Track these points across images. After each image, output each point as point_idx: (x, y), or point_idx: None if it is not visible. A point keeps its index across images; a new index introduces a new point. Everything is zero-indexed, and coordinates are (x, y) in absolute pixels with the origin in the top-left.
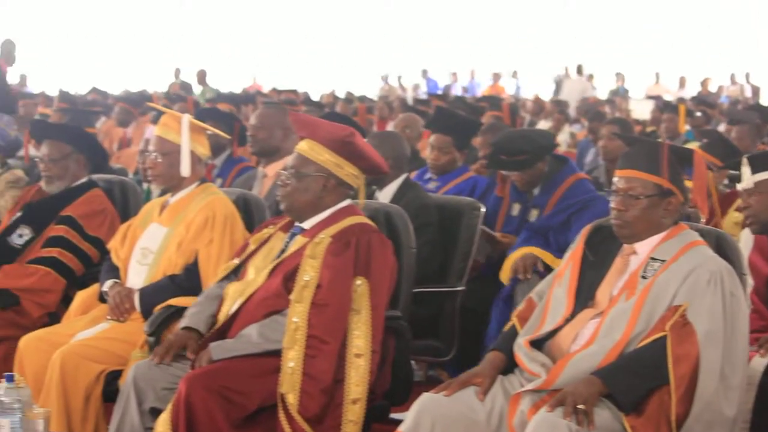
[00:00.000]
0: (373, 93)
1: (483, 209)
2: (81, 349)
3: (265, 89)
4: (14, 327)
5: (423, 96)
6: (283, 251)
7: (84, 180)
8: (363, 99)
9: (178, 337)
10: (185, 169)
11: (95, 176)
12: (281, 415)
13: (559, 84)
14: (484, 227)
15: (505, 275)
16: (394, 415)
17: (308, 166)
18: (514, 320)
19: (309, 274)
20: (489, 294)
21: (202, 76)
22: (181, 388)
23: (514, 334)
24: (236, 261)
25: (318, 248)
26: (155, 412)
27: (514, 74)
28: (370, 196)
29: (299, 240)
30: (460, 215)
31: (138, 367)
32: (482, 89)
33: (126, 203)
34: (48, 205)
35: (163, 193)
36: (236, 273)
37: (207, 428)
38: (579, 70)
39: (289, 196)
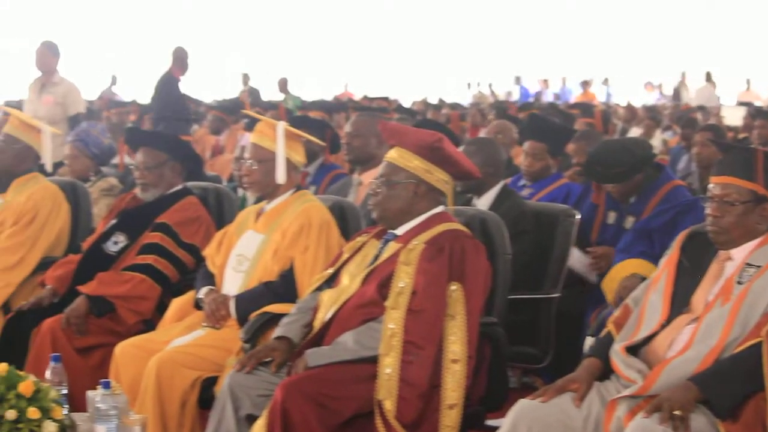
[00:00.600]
0: (463, 100)
1: (578, 216)
2: (177, 355)
3: (357, 97)
4: (109, 334)
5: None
6: (376, 258)
7: (179, 187)
8: (455, 106)
9: (266, 347)
10: (281, 177)
11: (190, 183)
12: (378, 422)
13: (676, 92)
14: (587, 255)
15: (609, 291)
16: (489, 422)
17: (398, 173)
18: (609, 326)
19: (404, 280)
20: (584, 300)
21: (283, 84)
22: (277, 394)
23: (610, 340)
24: (330, 271)
25: (412, 255)
26: (251, 419)
27: (606, 81)
28: (467, 203)
29: (392, 246)
30: (555, 222)
31: (234, 374)
32: (573, 96)
33: (221, 210)
34: (143, 212)
35: (258, 200)
36: (330, 281)
37: None
38: (708, 78)
39: (381, 205)
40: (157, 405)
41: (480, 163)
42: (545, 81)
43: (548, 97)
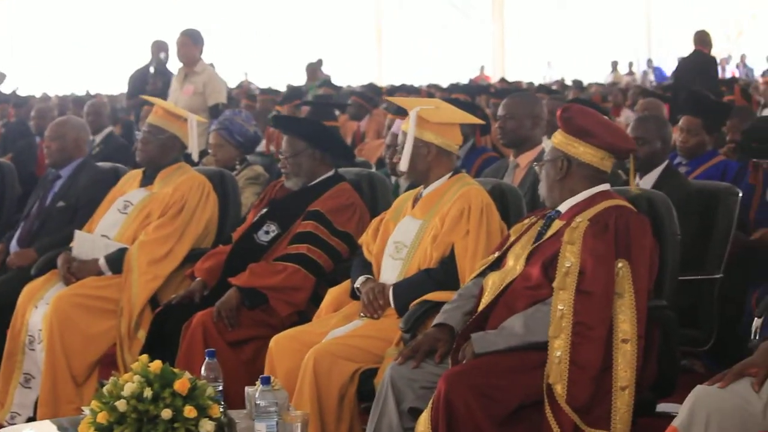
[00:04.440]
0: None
1: (740, 194)
2: (334, 347)
3: (493, 80)
4: (263, 326)
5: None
6: (540, 236)
7: (331, 174)
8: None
9: (428, 337)
10: (403, 163)
11: (342, 170)
12: (547, 408)
13: None
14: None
15: None
16: (659, 407)
17: (550, 152)
18: None
19: (569, 260)
20: (745, 281)
21: (313, 71)
22: (441, 386)
23: None
24: (496, 255)
25: (576, 233)
26: (414, 412)
27: (742, 58)
28: (627, 183)
29: (556, 224)
30: (716, 201)
31: (395, 365)
32: None
33: (375, 196)
34: (295, 200)
35: (412, 186)
36: (495, 266)
37: (468, 427)
38: None
39: (539, 185)
40: (315, 399)
41: (650, 139)
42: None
43: None
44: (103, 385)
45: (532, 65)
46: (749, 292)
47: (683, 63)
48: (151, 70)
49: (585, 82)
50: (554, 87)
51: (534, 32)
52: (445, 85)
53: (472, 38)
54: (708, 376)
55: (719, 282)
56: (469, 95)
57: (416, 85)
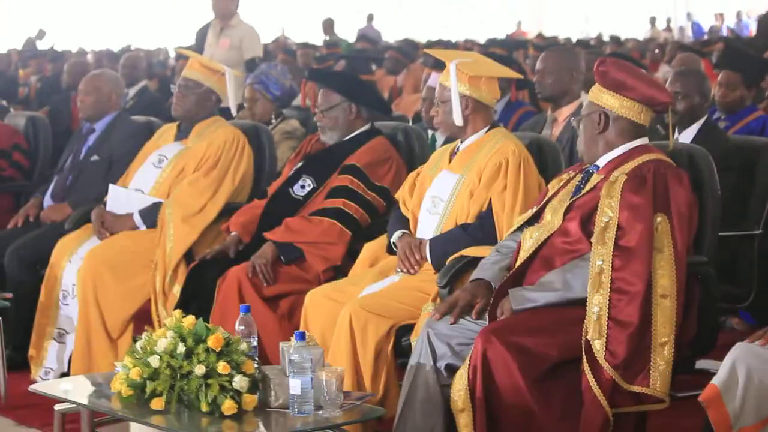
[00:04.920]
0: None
1: None
2: (370, 303)
3: (530, 35)
4: (298, 281)
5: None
6: (578, 189)
7: (367, 127)
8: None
9: (466, 292)
10: (458, 118)
11: (378, 123)
12: (585, 365)
13: None
14: None
15: None
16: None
17: (587, 107)
18: None
19: (608, 214)
20: None
21: (328, 26)
22: (478, 342)
23: None
24: (534, 209)
25: (614, 187)
26: (451, 369)
27: None
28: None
29: (594, 178)
30: (756, 156)
31: (431, 321)
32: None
33: (411, 150)
34: (330, 154)
35: (449, 139)
36: (533, 221)
37: (505, 384)
38: None
39: (578, 140)
40: (351, 355)
41: (689, 94)
42: (720, 15)
43: (723, 32)
44: (136, 341)
45: (569, 21)
46: None
47: (763, 20)
48: None
49: (622, 38)
50: (591, 42)
51: None
52: (482, 40)
53: None
54: (747, 334)
55: (759, 238)
56: (506, 50)
57: (453, 40)
